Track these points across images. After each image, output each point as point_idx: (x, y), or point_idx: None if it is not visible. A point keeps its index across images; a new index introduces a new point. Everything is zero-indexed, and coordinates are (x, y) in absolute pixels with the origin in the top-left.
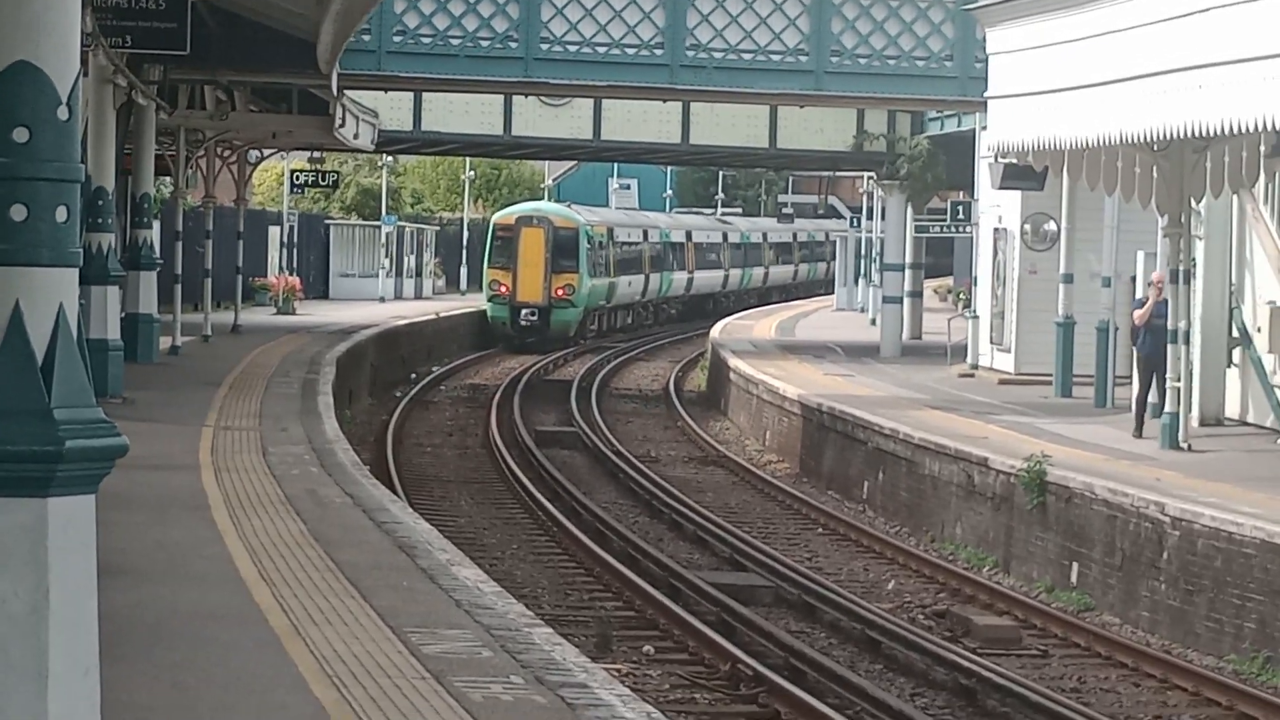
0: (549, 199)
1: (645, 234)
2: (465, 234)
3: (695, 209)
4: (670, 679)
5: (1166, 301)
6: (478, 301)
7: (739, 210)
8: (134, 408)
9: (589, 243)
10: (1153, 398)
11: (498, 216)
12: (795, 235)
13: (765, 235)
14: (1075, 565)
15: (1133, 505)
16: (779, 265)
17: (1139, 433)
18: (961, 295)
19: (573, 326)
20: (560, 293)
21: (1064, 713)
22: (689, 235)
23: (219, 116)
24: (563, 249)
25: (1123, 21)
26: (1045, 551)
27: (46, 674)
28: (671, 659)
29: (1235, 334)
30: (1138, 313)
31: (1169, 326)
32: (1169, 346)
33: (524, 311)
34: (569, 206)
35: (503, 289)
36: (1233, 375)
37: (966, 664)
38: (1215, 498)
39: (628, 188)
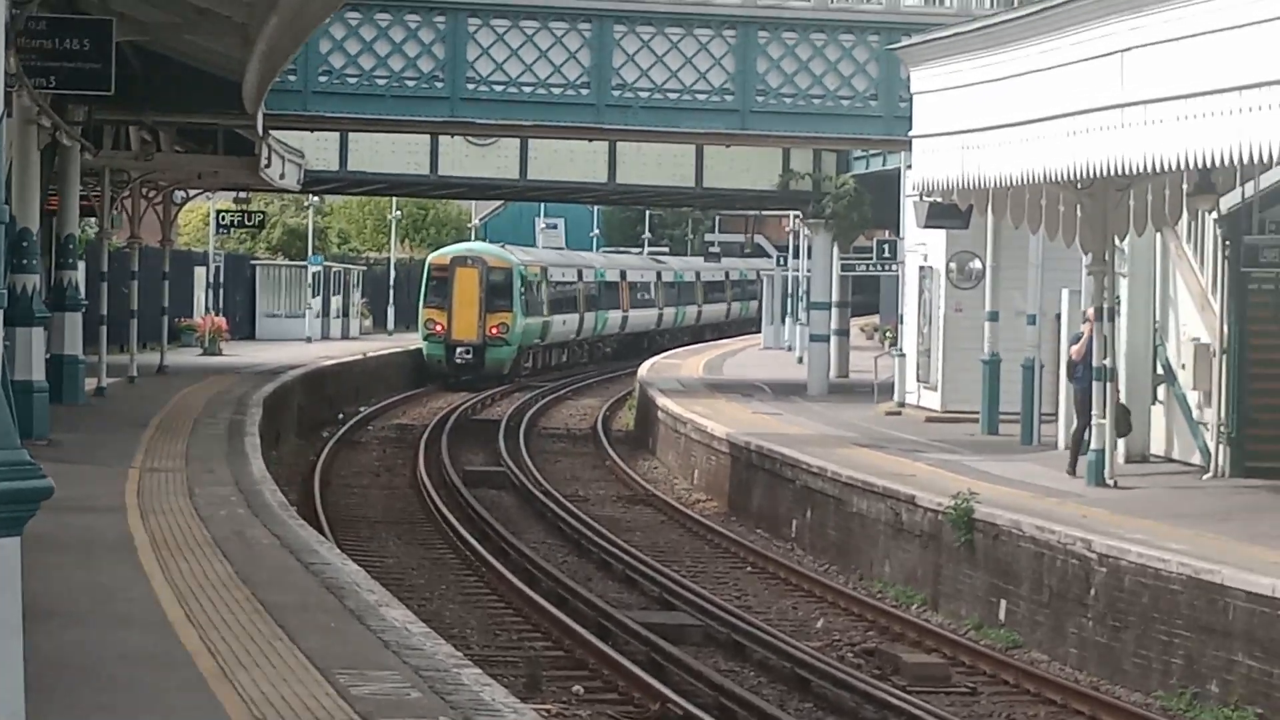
0: (475, 238)
1: (580, 273)
2: (392, 274)
3: (623, 248)
4: (600, 719)
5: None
6: (405, 341)
7: (666, 249)
8: (59, 449)
9: (523, 282)
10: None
11: (433, 257)
12: (728, 274)
13: (698, 274)
14: (1003, 602)
15: (1059, 542)
16: (712, 304)
17: (1073, 469)
18: (888, 333)
19: (507, 364)
20: (495, 331)
21: None
22: (623, 274)
23: (144, 157)
24: (497, 289)
25: (1044, 61)
26: (973, 589)
27: None
28: (601, 699)
29: (1160, 371)
30: (1073, 348)
31: (1094, 363)
32: (1094, 384)
33: (459, 350)
34: (503, 247)
35: (438, 328)
36: (1158, 412)
37: (896, 702)
38: (1141, 534)
39: (554, 227)
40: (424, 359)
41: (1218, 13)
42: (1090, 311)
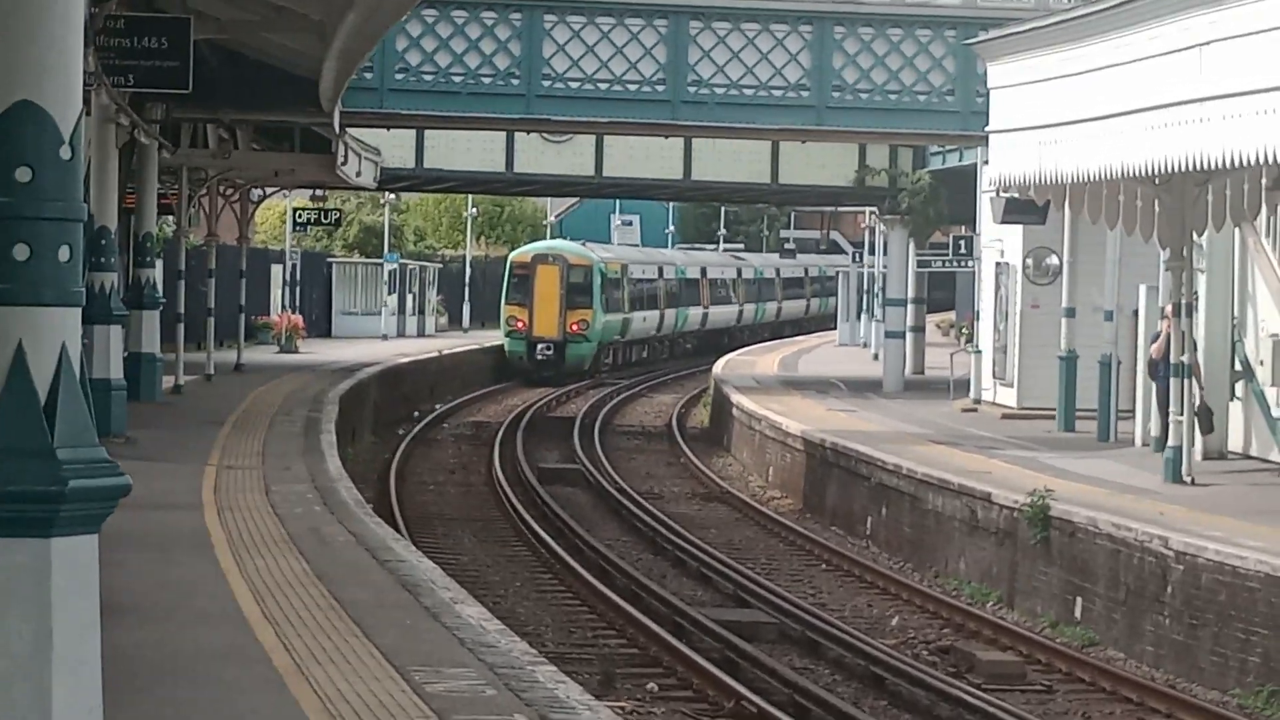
0: (550, 236)
1: (660, 271)
2: (468, 271)
3: (699, 245)
4: (674, 716)
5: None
6: (481, 339)
7: (742, 245)
8: (137, 447)
9: (603, 280)
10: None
11: (514, 255)
12: (806, 270)
13: (778, 271)
14: (1079, 600)
15: (1136, 539)
16: (791, 300)
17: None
18: (964, 330)
19: (587, 360)
20: (575, 328)
21: None
22: (704, 271)
23: (221, 155)
24: (577, 286)
25: (1122, 55)
26: (1049, 586)
27: (50, 715)
28: (675, 696)
29: (1238, 367)
30: (1153, 346)
31: (1172, 360)
32: (1171, 380)
33: (540, 346)
34: (584, 244)
35: (519, 324)
36: (1236, 408)
37: (971, 700)
38: (1219, 531)
39: (630, 224)
40: (505, 355)
41: None
42: (1169, 308)
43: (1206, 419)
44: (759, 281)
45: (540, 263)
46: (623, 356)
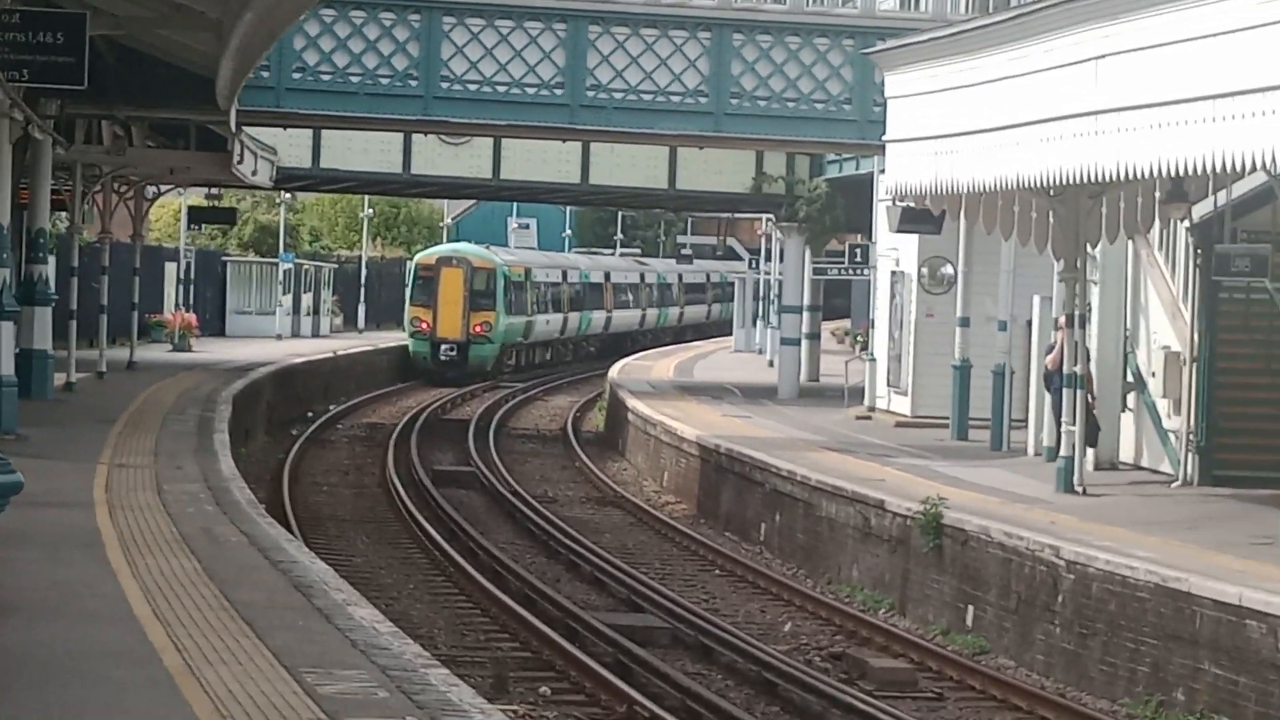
0: (448, 238)
1: (565, 274)
2: (363, 272)
3: (595, 249)
4: None
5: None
6: (375, 340)
7: (638, 250)
8: (28, 444)
9: (506, 282)
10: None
11: (419, 256)
12: (709, 276)
13: (680, 276)
14: (971, 608)
15: (1028, 548)
16: (693, 305)
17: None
18: (859, 338)
19: (490, 362)
20: (478, 329)
21: None
22: (608, 276)
23: (116, 152)
24: (481, 289)
25: (1018, 68)
26: (941, 594)
27: None
28: (568, 700)
29: (1130, 378)
30: (1050, 356)
31: (1065, 370)
32: (1063, 391)
33: (443, 347)
34: (488, 248)
35: (424, 325)
36: (1127, 419)
37: (863, 706)
38: (1110, 541)
39: (526, 227)
40: (408, 355)
41: (1190, 22)
42: (1063, 319)
43: (1094, 431)
44: (661, 286)
45: (445, 265)
46: (526, 358)
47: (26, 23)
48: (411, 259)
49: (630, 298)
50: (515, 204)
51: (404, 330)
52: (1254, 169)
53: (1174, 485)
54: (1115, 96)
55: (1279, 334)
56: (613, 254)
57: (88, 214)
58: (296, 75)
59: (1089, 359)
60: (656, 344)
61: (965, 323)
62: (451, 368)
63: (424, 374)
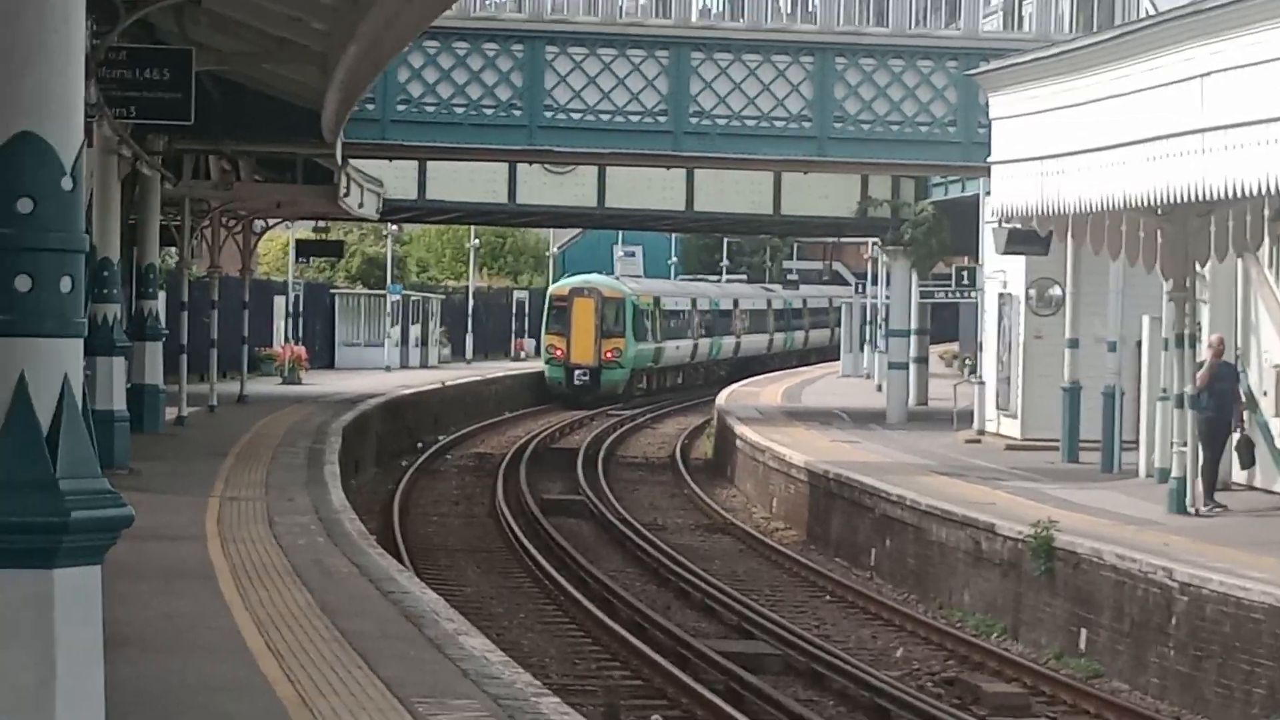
0: (555, 266)
1: (694, 302)
2: (470, 302)
3: (701, 275)
4: None
5: (1227, 363)
6: (484, 370)
7: (744, 276)
8: (140, 478)
9: (635, 311)
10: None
11: (553, 288)
12: (830, 300)
13: (804, 301)
14: (1084, 631)
15: (1140, 571)
16: (817, 329)
17: (1210, 501)
18: (967, 361)
19: (621, 385)
20: (609, 355)
21: None
22: (736, 303)
23: (224, 187)
24: (610, 317)
25: (1124, 86)
26: (1054, 617)
27: None
28: None
29: (1242, 398)
30: (1199, 375)
31: (1188, 391)
32: (1176, 411)
33: (577, 372)
34: (618, 278)
35: (558, 352)
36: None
37: None
38: (1224, 563)
39: (632, 255)
40: (545, 380)
41: None
42: (1214, 338)
43: (1248, 452)
44: (787, 312)
45: (576, 296)
46: (657, 382)
47: (133, 60)
48: (522, 289)
49: (759, 323)
50: (620, 232)
51: (512, 359)
52: None
53: None
54: (1222, 114)
55: None
56: (717, 280)
57: (196, 249)
58: (401, 107)
59: (1242, 377)
60: (784, 366)
61: (1074, 344)
62: (585, 391)
63: (559, 398)
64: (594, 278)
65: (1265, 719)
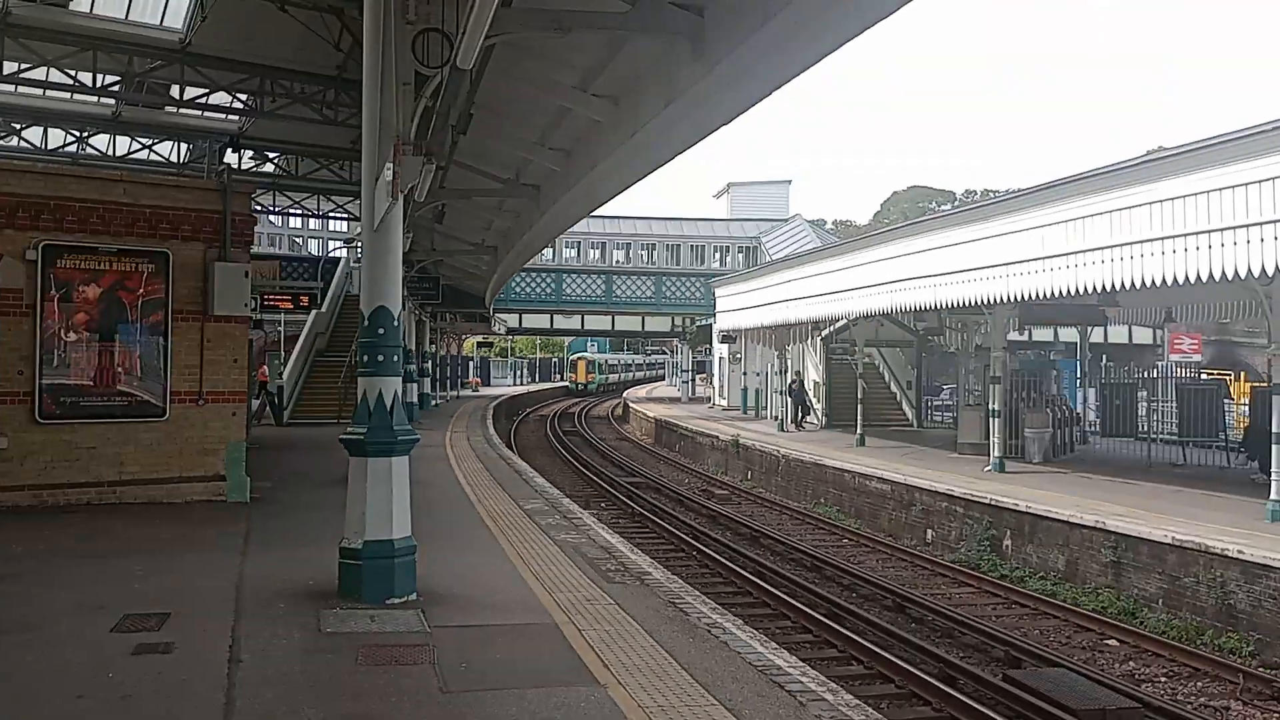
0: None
1: (617, 361)
2: (538, 358)
3: (619, 350)
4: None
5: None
6: (541, 385)
7: (633, 351)
8: (422, 425)
9: (596, 364)
10: None
11: (572, 356)
12: (664, 360)
13: (653, 361)
14: (750, 471)
15: (769, 449)
16: (657, 369)
17: (796, 425)
18: (705, 378)
19: (593, 389)
20: (589, 378)
21: None
22: (631, 361)
23: (450, 323)
24: (588, 365)
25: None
26: (738, 467)
27: (391, 516)
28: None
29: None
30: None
31: None
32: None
33: (578, 384)
34: (591, 351)
35: (574, 377)
36: None
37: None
38: (793, 444)
39: (594, 344)
40: (567, 388)
41: None
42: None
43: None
44: (648, 364)
45: (579, 358)
46: (604, 390)
47: (419, 277)
48: (548, 355)
49: (639, 368)
50: (590, 335)
51: (557, 382)
52: None
53: None
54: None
55: None
56: (632, 352)
57: (440, 343)
58: (510, 294)
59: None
60: (647, 382)
61: (747, 373)
62: (581, 391)
63: (573, 394)
64: (583, 352)
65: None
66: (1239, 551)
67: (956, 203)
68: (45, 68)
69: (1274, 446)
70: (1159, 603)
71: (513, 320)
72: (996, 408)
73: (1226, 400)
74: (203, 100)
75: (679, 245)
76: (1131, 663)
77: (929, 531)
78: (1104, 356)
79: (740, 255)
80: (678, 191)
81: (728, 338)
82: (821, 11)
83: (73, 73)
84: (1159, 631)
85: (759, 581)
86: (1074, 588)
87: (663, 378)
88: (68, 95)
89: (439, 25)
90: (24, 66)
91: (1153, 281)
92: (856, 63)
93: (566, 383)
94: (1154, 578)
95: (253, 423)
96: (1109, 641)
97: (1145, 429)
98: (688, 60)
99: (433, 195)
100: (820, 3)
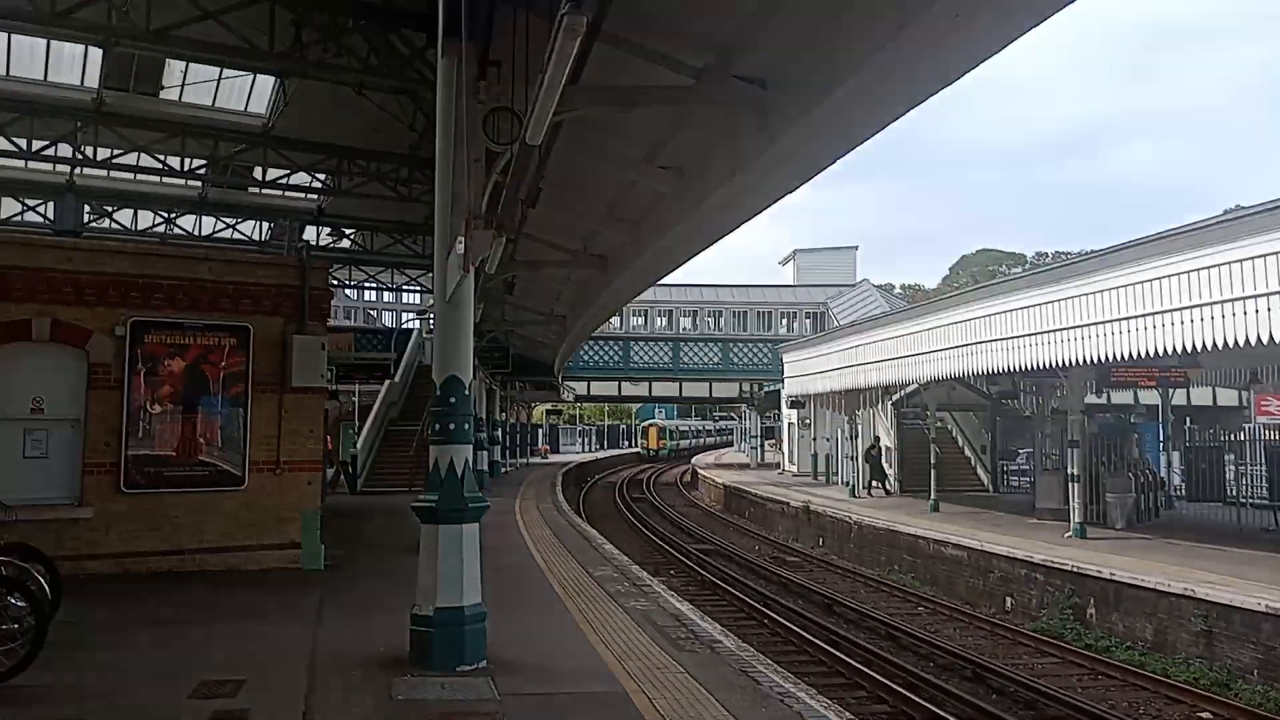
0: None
1: (686, 428)
2: (606, 425)
3: (687, 417)
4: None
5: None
6: (610, 452)
7: (701, 418)
8: (492, 493)
9: (667, 430)
10: None
11: (644, 423)
12: (731, 427)
13: (721, 428)
14: (821, 538)
15: (841, 515)
16: (725, 435)
17: (868, 491)
18: (774, 444)
19: (663, 455)
20: (660, 445)
21: None
22: (699, 428)
23: (519, 393)
24: (659, 432)
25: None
26: (809, 535)
27: (462, 582)
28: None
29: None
30: None
31: None
32: (847, 460)
33: (650, 450)
34: (661, 418)
35: (646, 443)
36: None
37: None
38: (870, 512)
39: (662, 411)
40: (640, 453)
41: None
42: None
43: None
44: (716, 430)
45: (650, 425)
46: (674, 454)
47: (489, 345)
48: (618, 421)
49: (706, 435)
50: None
51: (626, 447)
52: None
53: None
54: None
55: None
56: (699, 418)
57: (511, 413)
58: (579, 362)
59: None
60: (715, 449)
61: (815, 438)
62: (653, 457)
63: (645, 459)
64: (654, 419)
65: (889, 570)
66: None
67: (1027, 265)
68: (136, 153)
69: None
70: (1254, 674)
71: (581, 388)
72: (1075, 472)
73: None
74: (283, 180)
75: (745, 312)
76: None
77: (1008, 599)
78: (1188, 419)
79: (807, 321)
80: (744, 259)
81: (796, 403)
82: (883, 81)
83: (162, 157)
84: (1255, 704)
85: (833, 650)
86: (1163, 658)
87: (731, 444)
88: (157, 179)
89: (509, 104)
90: (116, 152)
91: (1234, 342)
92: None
93: (639, 449)
94: (1248, 647)
95: (328, 491)
96: (1202, 715)
97: (1233, 493)
98: (753, 131)
99: (503, 267)
100: (882, 75)
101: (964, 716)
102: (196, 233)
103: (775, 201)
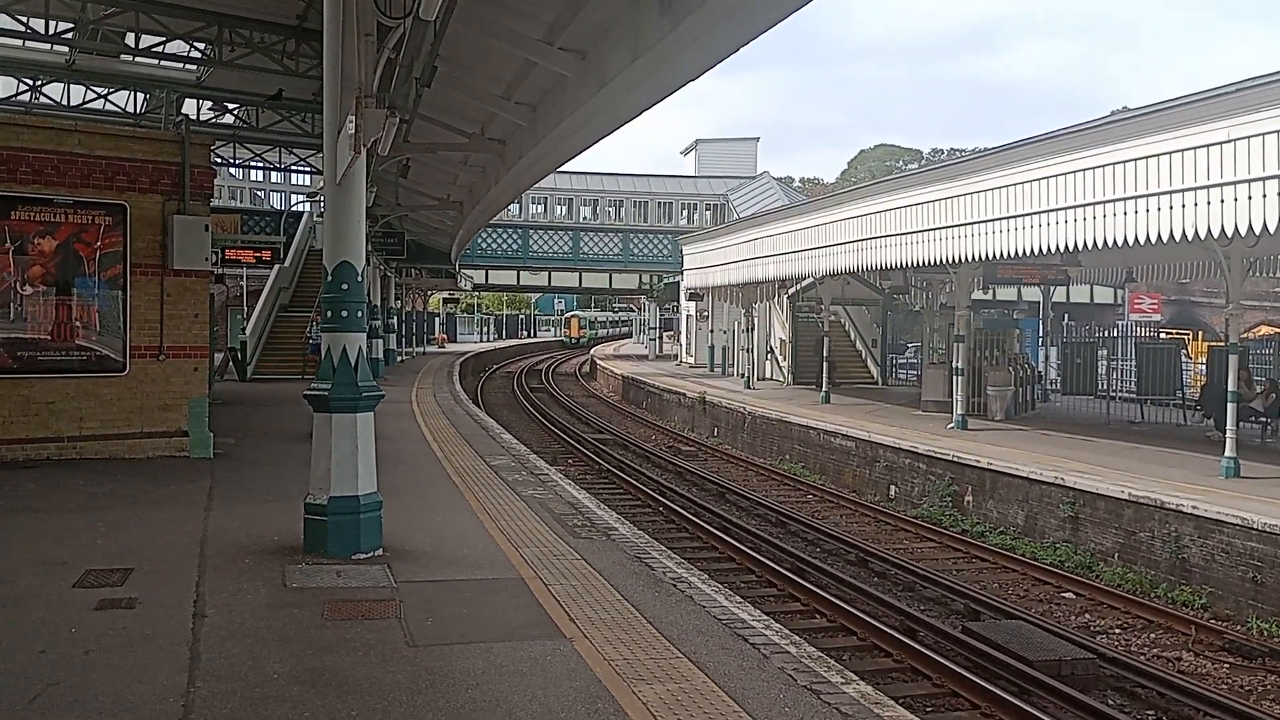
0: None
1: (594, 319)
2: (506, 314)
3: (588, 308)
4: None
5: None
6: (511, 342)
7: (606, 310)
8: (388, 382)
9: (585, 321)
10: None
11: (567, 315)
12: (630, 318)
13: (620, 319)
14: (715, 428)
15: (734, 405)
16: (626, 327)
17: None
18: (673, 336)
19: (581, 344)
20: (580, 334)
21: None
22: (604, 320)
23: (415, 280)
24: (578, 323)
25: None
26: (704, 424)
27: (356, 472)
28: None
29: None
30: None
31: None
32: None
33: (573, 339)
34: (577, 310)
35: (568, 332)
36: None
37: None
38: (760, 401)
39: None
40: (563, 342)
41: None
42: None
43: None
44: (619, 322)
45: (572, 316)
46: (586, 344)
47: (383, 233)
48: (516, 311)
49: (610, 326)
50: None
51: (524, 337)
52: None
53: None
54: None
55: None
56: (603, 310)
57: (406, 300)
58: (476, 249)
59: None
60: (616, 339)
61: (711, 331)
62: (573, 346)
63: (567, 346)
64: (573, 310)
65: (781, 459)
66: (1193, 507)
67: (924, 161)
68: None
69: (1229, 405)
70: (1115, 557)
71: (479, 276)
72: (960, 366)
73: (1184, 359)
74: (159, 49)
75: (646, 202)
76: (1087, 615)
77: (892, 487)
78: (1066, 315)
79: (708, 213)
80: (645, 147)
81: (695, 295)
82: None
83: (24, 18)
84: (1114, 585)
85: (724, 537)
86: (1033, 542)
87: (630, 335)
88: (19, 42)
89: None
90: None
91: (1114, 242)
92: (824, 12)
93: (562, 337)
94: (1110, 533)
95: (215, 378)
96: (1066, 595)
97: (1105, 387)
98: (655, 14)
99: (396, 149)
100: None
101: (847, 598)
102: (65, 103)
103: (677, 89)
